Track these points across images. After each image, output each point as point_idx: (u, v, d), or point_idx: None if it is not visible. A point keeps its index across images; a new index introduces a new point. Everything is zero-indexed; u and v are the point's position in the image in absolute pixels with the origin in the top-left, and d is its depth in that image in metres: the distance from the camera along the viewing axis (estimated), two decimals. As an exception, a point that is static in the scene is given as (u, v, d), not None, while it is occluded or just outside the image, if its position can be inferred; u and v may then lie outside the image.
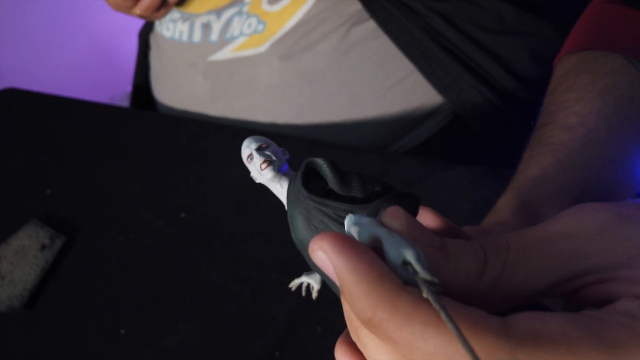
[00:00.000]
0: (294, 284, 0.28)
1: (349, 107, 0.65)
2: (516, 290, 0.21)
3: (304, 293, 0.29)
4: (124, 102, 1.34)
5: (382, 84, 0.65)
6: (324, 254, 0.20)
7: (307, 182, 0.25)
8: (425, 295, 0.19)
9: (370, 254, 0.20)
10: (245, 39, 0.67)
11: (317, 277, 0.28)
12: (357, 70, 0.65)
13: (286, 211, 0.26)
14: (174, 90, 0.76)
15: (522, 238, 0.22)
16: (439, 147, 0.66)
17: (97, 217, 0.62)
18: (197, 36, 0.71)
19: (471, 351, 0.17)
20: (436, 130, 0.66)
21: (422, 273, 0.19)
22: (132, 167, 0.67)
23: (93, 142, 0.72)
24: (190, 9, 0.72)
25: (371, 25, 0.64)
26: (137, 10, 0.69)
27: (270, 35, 0.66)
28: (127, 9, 0.70)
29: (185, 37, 0.72)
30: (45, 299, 0.57)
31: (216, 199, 0.61)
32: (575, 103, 0.36)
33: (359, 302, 0.19)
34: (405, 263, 0.19)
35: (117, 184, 0.65)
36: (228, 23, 0.68)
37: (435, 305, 0.18)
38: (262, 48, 0.66)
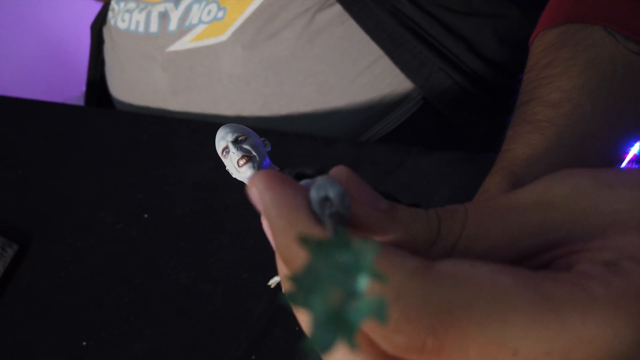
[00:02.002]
0: (273, 281, 0.26)
1: (316, 96, 0.63)
2: None
3: (284, 290, 0.26)
4: (80, 102, 1.29)
5: (349, 70, 0.63)
6: (257, 191, 0.19)
7: None
8: (324, 218, 0.18)
9: (295, 190, 0.19)
10: (204, 27, 0.64)
11: None
12: (324, 57, 0.63)
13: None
14: (132, 86, 0.72)
15: (484, 208, 0.20)
16: (410, 134, 0.65)
17: (52, 223, 0.59)
18: (154, 26, 0.67)
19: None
20: (407, 117, 0.65)
21: (338, 206, 0.18)
22: (89, 168, 0.63)
23: (45, 143, 0.67)
24: (145, -4, 0.68)
25: (336, 9, 0.62)
26: None
27: (231, 22, 0.63)
28: None
29: (142, 28, 0.68)
30: (-1, 312, 0.53)
31: (180, 197, 0.58)
32: (557, 78, 0.35)
33: (278, 238, 0.18)
34: (326, 199, 0.18)
35: (73, 187, 0.62)
36: (187, 11, 0.65)
37: (327, 222, 0.17)
38: (224, 37, 0.64)
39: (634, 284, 0.17)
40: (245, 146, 0.24)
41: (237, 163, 0.23)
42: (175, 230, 0.55)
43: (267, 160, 0.24)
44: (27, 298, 0.54)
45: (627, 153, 0.36)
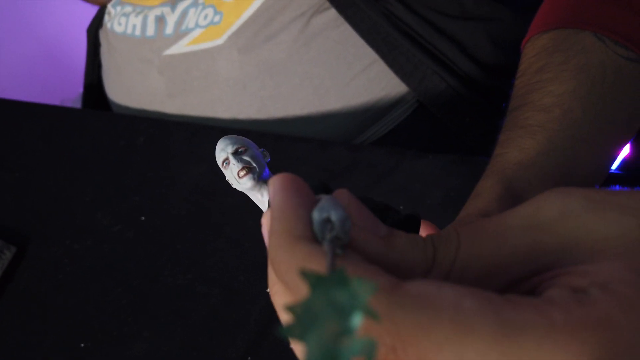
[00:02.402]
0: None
1: (312, 99, 0.64)
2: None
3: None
4: (77, 105, 1.29)
5: (345, 74, 0.64)
6: (272, 189, 0.20)
7: None
8: (324, 241, 0.18)
9: (302, 200, 0.19)
10: (201, 31, 0.65)
11: None
12: (319, 60, 0.63)
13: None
14: (128, 88, 0.72)
15: (476, 233, 0.20)
16: (404, 137, 0.66)
17: (49, 225, 0.59)
18: (150, 30, 0.68)
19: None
20: (401, 121, 0.66)
21: (339, 230, 0.18)
22: (86, 170, 0.63)
23: (42, 146, 0.68)
24: (143, 0, 0.69)
25: (331, 14, 0.63)
26: None
27: (227, 26, 0.64)
28: None
29: (138, 32, 0.69)
30: (-3, 314, 0.53)
31: (177, 199, 0.58)
32: (549, 83, 0.35)
33: (271, 239, 0.19)
34: (328, 221, 0.19)
35: (70, 189, 0.62)
36: (183, 15, 0.66)
37: (326, 247, 0.18)
38: (220, 40, 0.64)
39: (595, 312, 0.16)
40: (245, 157, 0.24)
41: (237, 174, 0.24)
42: (172, 232, 0.55)
43: (267, 171, 0.25)
44: (26, 300, 0.54)
45: (617, 157, 0.37)
